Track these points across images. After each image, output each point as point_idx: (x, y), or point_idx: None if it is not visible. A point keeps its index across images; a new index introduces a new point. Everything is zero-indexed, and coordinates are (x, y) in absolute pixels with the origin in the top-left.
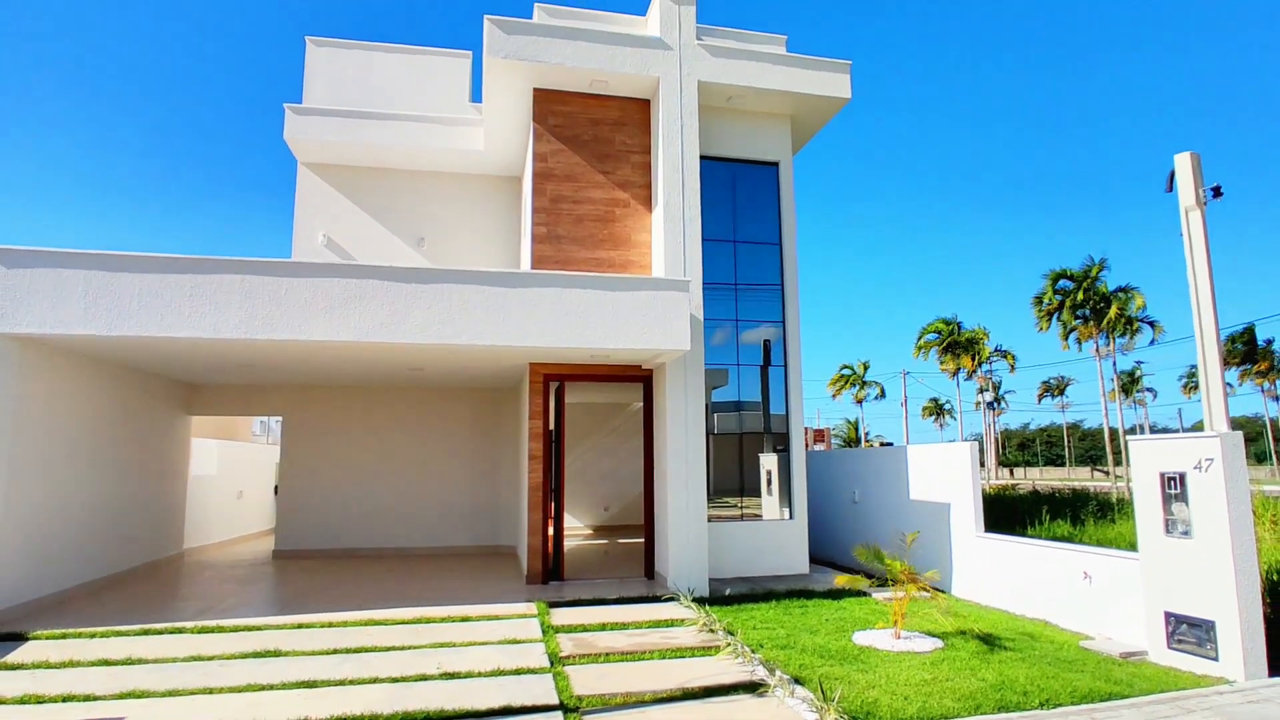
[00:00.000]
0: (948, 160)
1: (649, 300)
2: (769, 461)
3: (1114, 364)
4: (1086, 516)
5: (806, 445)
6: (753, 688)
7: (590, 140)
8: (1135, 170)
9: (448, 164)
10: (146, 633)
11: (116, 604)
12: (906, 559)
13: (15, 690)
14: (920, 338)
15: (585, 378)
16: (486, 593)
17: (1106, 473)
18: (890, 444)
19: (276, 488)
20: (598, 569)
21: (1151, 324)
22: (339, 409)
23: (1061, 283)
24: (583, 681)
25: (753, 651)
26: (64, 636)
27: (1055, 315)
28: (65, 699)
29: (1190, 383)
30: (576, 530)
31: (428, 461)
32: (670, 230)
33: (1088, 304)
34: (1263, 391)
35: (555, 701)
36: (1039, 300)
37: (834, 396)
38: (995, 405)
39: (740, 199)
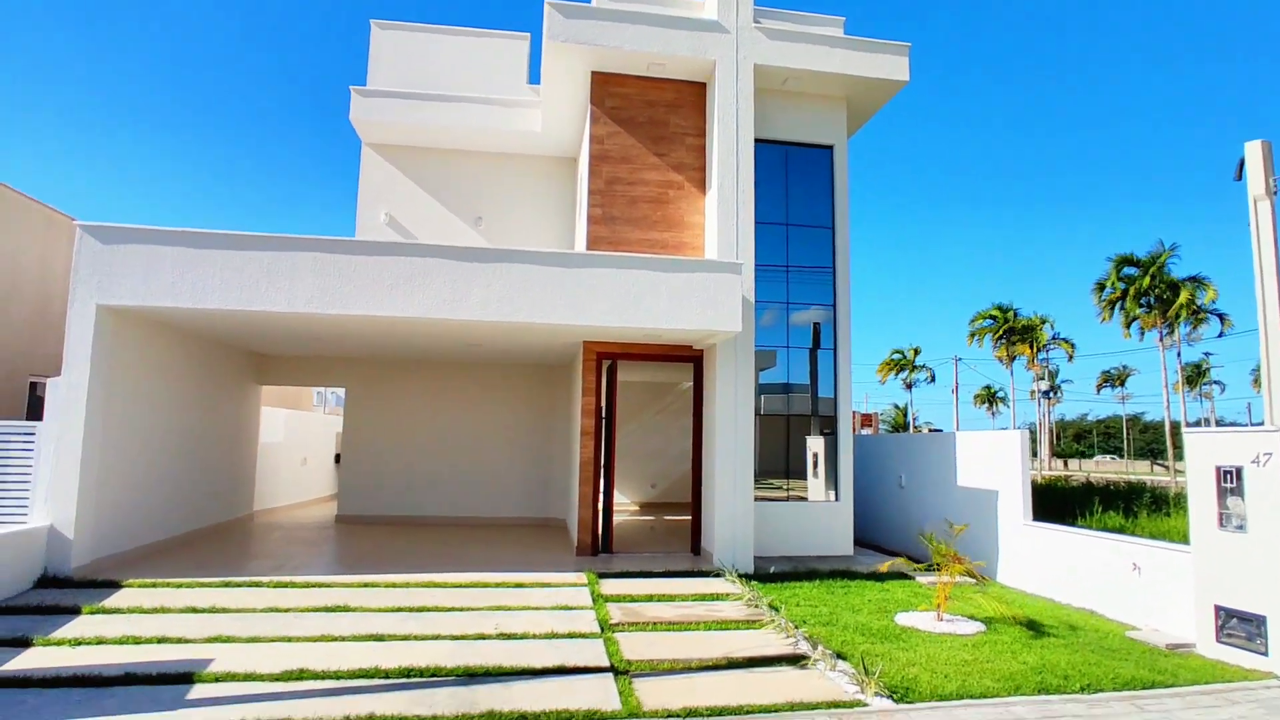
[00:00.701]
0: (1007, 147)
1: (702, 282)
2: (815, 444)
3: (1179, 355)
4: (1140, 509)
5: (854, 429)
6: (795, 660)
7: (645, 123)
8: (1202, 160)
9: (505, 145)
10: (228, 584)
11: (197, 558)
12: (953, 546)
13: (115, 632)
14: (974, 323)
15: (637, 357)
16: (538, 562)
17: (1166, 467)
18: (938, 430)
19: (337, 456)
20: (644, 544)
21: (1220, 316)
22: (399, 382)
23: (1126, 269)
24: (632, 647)
25: (796, 627)
26: (154, 585)
27: (1119, 304)
28: (159, 640)
29: (1259, 376)
30: (623, 506)
31: (482, 435)
32: (724, 213)
33: (1153, 291)
34: None
35: (606, 664)
36: (1101, 287)
37: (882, 381)
38: (1051, 395)
39: (793, 182)
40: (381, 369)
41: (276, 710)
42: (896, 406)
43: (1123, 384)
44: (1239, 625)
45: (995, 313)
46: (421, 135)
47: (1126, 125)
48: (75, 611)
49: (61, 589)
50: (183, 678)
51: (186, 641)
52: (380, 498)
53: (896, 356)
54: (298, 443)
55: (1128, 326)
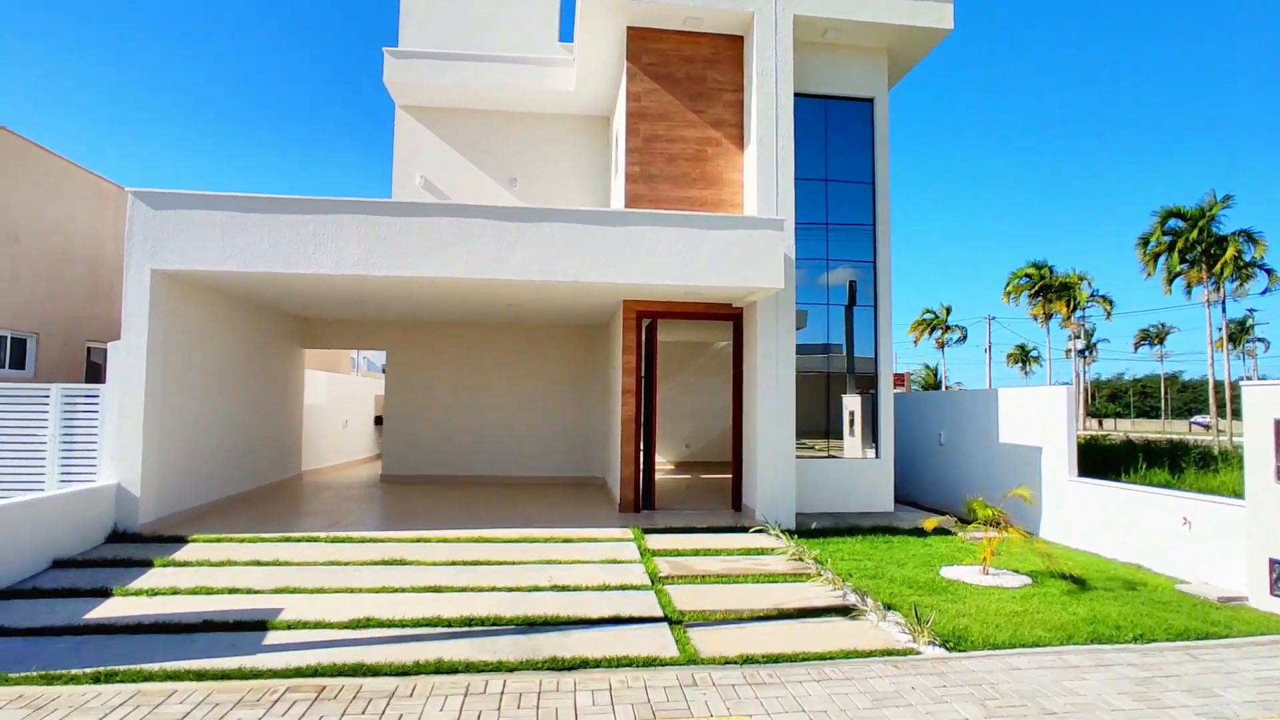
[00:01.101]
0: (1051, 98)
1: (744, 239)
2: (852, 402)
3: (1223, 311)
4: (1188, 465)
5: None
6: (845, 611)
7: (683, 78)
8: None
9: (538, 104)
10: (287, 539)
11: (254, 515)
12: (1001, 504)
13: (187, 583)
14: (1010, 282)
15: (677, 315)
16: (582, 518)
17: (1206, 426)
18: (968, 390)
19: (377, 418)
20: (685, 500)
21: (1268, 271)
22: (439, 344)
23: (1172, 222)
24: (682, 599)
25: (843, 580)
26: (218, 540)
27: (1162, 258)
28: (230, 591)
29: None
30: (659, 465)
31: (521, 395)
32: (763, 169)
33: (1198, 246)
34: None
35: (660, 614)
36: (1145, 241)
37: (915, 341)
38: (1086, 353)
39: (833, 136)
40: (422, 331)
41: (348, 655)
42: (927, 367)
43: (1161, 342)
44: None
45: (1031, 270)
46: (454, 96)
47: (1177, 78)
48: (147, 564)
49: (132, 544)
50: (257, 625)
51: (255, 592)
52: (423, 458)
53: (928, 316)
54: (339, 405)
55: (1170, 283)
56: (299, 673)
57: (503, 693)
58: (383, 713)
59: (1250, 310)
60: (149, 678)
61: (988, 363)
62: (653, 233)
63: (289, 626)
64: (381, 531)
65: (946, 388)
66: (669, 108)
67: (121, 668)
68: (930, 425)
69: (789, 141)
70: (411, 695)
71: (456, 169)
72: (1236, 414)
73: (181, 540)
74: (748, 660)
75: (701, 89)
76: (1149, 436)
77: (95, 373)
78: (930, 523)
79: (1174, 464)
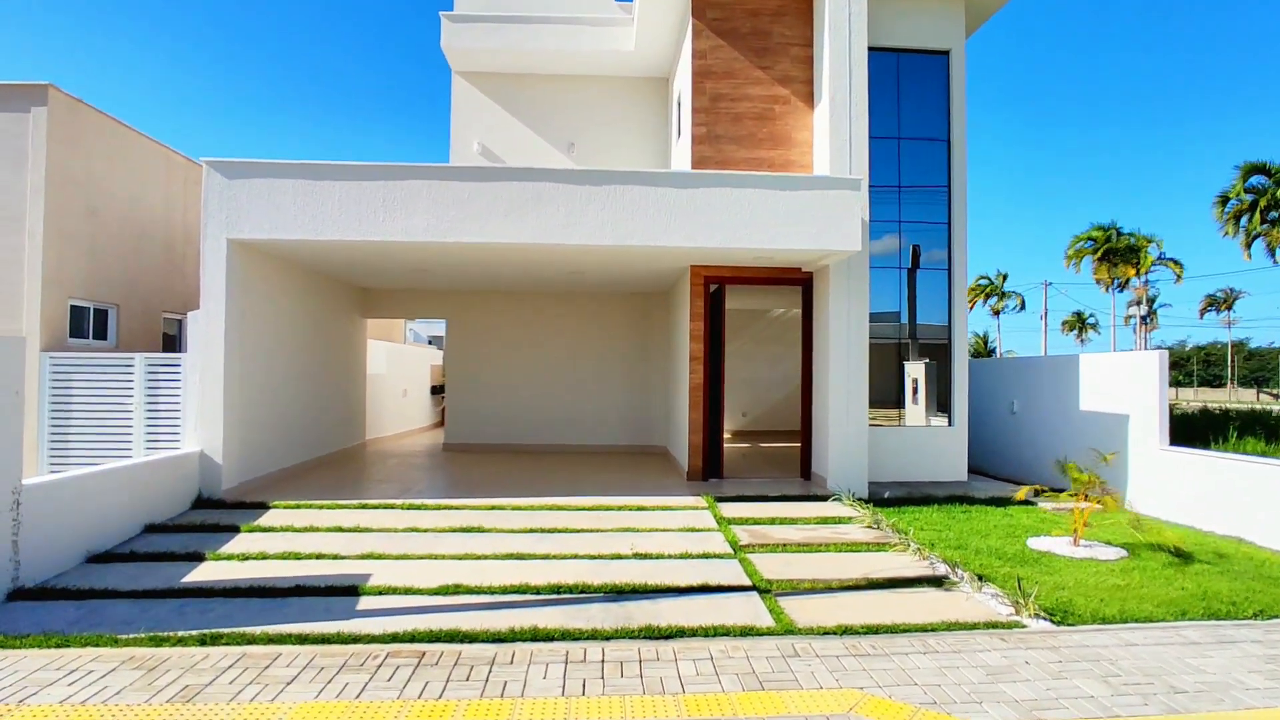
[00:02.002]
0: (1124, 54)
1: (819, 200)
2: (915, 369)
3: None
4: None
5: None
6: (936, 582)
7: (749, 34)
8: None
9: (595, 67)
10: (364, 506)
11: (328, 482)
12: (1096, 473)
13: (275, 548)
14: (1072, 246)
15: (745, 280)
16: (650, 487)
17: (1276, 395)
18: (1044, 356)
19: (433, 387)
20: (751, 469)
21: None
22: (497, 313)
23: (1255, 179)
24: (768, 567)
25: (929, 550)
26: (298, 506)
27: (1244, 217)
28: (317, 556)
29: None
30: None
31: (581, 363)
32: (836, 127)
33: None
34: None
35: (748, 583)
36: (1224, 200)
37: (970, 307)
38: (1147, 319)
39: (906, 92)
40: (480, 300)
41: (443, 621)
42: (977, 335)
43: (1230, 308)
44: None
45: (1096, 233)
46: (510, 60)
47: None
48: (234, 530)
49: (217, 509)
50: (349, 590)
51: (341, 558)
52: (484, 427)
53: (983, 282)
54: (398, 375)
55: (1249, 245)
56: (396, 638)
57: (603, 660)
58: (487, 679)
59: None
60: (252, 640)
61: (1043, 330)
62: (724, 194)
63: (380, 592)
64: (455, 499)
65: (999, 355)
66: (734, 65)
67: (225, 630)
68: (1001, 393)
69: (863, 97)
70: (512, 662)
71: (514, 135)
72: None
73: (263, 506)
74: (846, 631)
75: (767, 44)
76: (1227, 405)
77: (169, 344)
78: (1021, 492)
79: (1272, 433)
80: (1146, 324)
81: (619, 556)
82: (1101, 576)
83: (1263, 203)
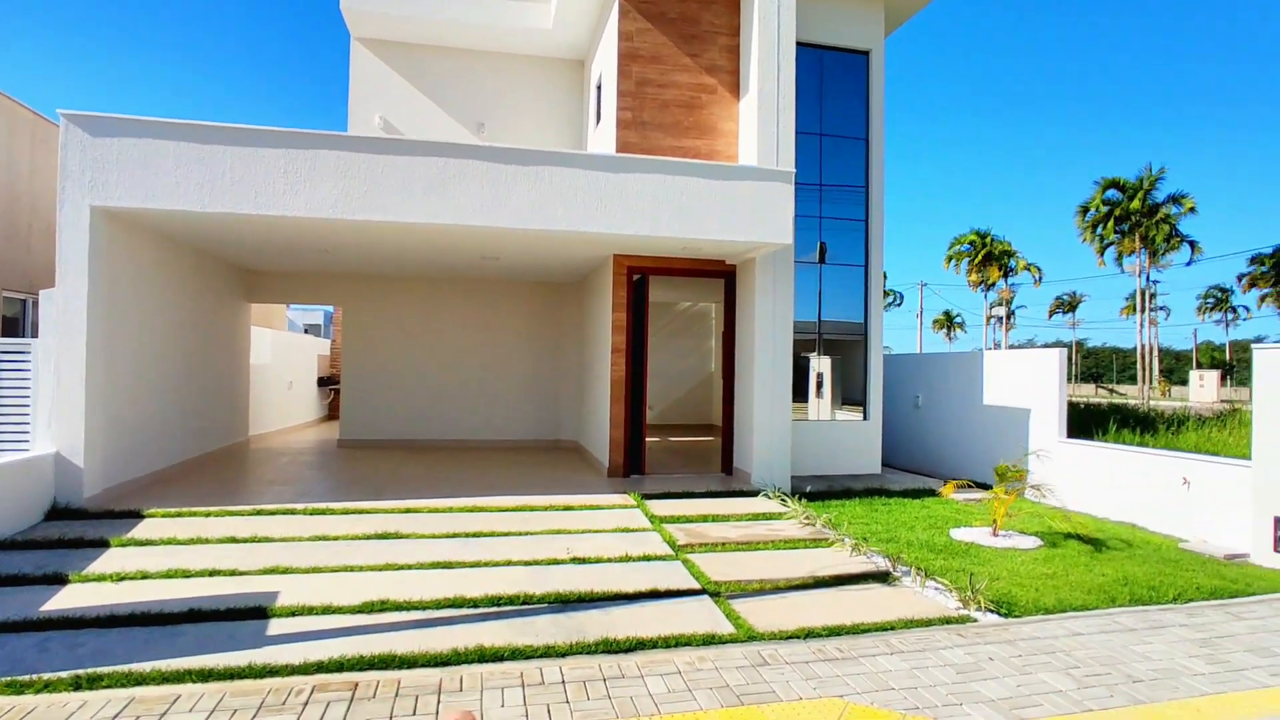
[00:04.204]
0: (1006, 72)
1: (752, 190)
2: (821, 364)
3: (1147, 278)
4: (1160, 427)
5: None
6: (881, 578)
7: (677, 19)
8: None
9: (510, 44)
10: (260, 513)
11: (212, 485)
12: (1019, 467)
13: (157, 565)
14: (952, 247)
15: (668, 271)
16: (571, 484)
17: (1110, 390)
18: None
19: (320, 379)
20: (669, 464)
21: (1191, 243)
22: (399, 300)
23: (1110, 193)
24: (712, 568)
25: (864, 545)
26: (179, 514)
27: (1099, 227)
28: (210, 573)
29: (1207, 303)
30: None
31: (488, 354)
32: (764, 119)
33: (1134, 215)
34: None
35: (697, 587)
36: (1084, 209)
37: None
38: (1004, 321)
39: (828, 90)
40: (379, 285)
41: (373, 644)
42: None
43: (1073, 310)
44: None
45: (974, 238)
46: (417, 29)
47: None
48: (103, 544)
49: (78, 520)
50: (254, 612)
51: (241, 574)
52: (384, 421)
53: None
54: (283, 365)
55: (1101, 253)
56: (321, 667)
57: (564, 681)
58: (437, 712)
59: (1154, 281)
60: (142, 680)
61: (919, 328)
62: (657, 181)
63: (293, 613)
64: (364, 501)
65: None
66: (662, 50)
67: (106, 670)
68: (907, 387)
69: (790, 91)
70: (461, 689)
71: (419, 111)
72: (1149, 378)
73: (136, 515)
74: (810, 634)
75: (696, 31)
76: (1074, 399)
77: (9, 328)
78: (950, 486)
79: (1139, 426)
80: (1004, 324)
81: (557, 562)
82: (1028, 565)
83: (1116, 213)
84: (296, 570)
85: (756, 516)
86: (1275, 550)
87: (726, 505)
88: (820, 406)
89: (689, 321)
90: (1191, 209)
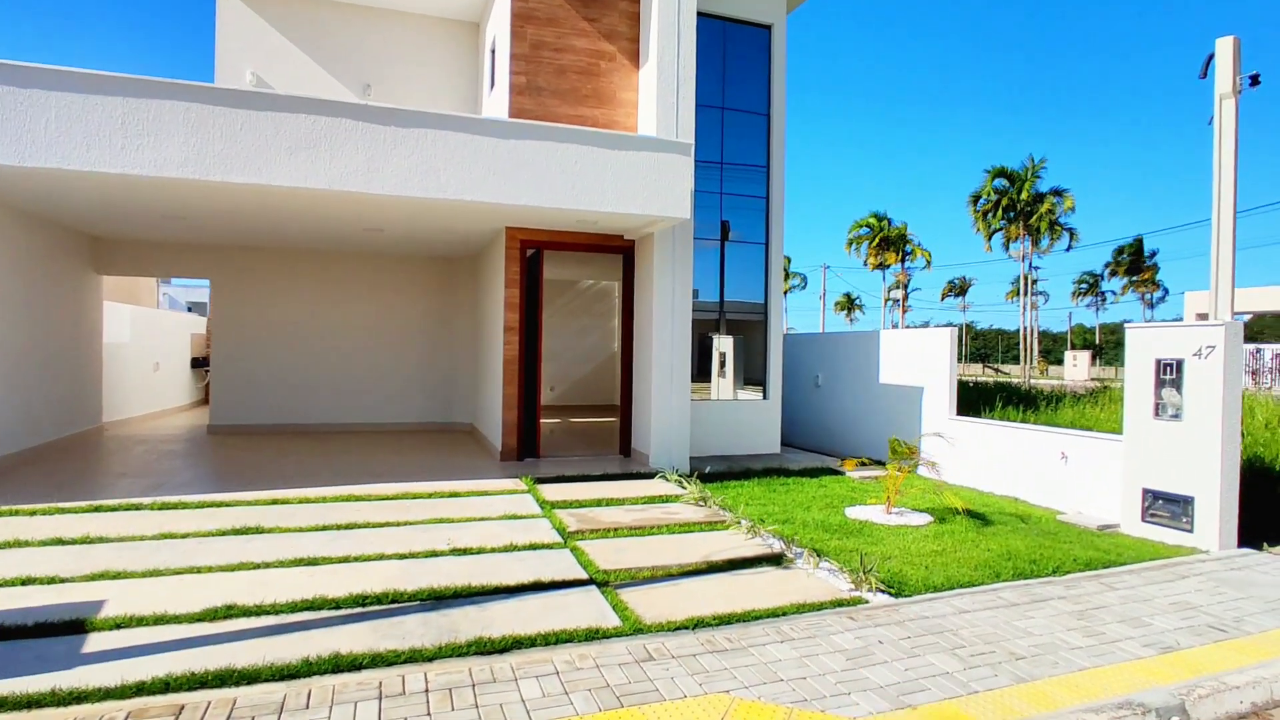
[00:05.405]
0: (904, 61)
1: (650, 162)
2: (723, 343)
3: (1030, 264)
4: (1041, 404)
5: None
6: (775, 560)
7: None
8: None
9: (399, 1)
10: (98, 510)
11: (50, 479)
12: (912, 445)
13: None
14: (852, 230)
15: (564, 246)
16: (461, 469)
17: (996, 369)
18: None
19: (195, 359)
20: (566, 447)
21: (1070, 231)
22: (275, 273)
23: (998, 181)
24: (602, 556)
25: (760, 526)
26: (0, 514)
27: (989, 214)
28: (24, 582)
29: (1080, 288)
30: None
31: (375, 333)
32: (664, 90)
33: (1019, 204)
34: (1141, 300)
35: (584, 576)
36: (976, 198)
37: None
38: (899, 302)
39: (730, 63)
40: (254, 257)
41: (211, 657)
42: None
43: (964, 293)
44: (1164, 506)
45: (872, 221)
46: None
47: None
48: None
49: None
50: (70, 627)
51: (61, 581)
52: (260, 405)
53: None
54: (148, 344)
55: (989, 238)
56: (143, 689)
57: (427, 690)
58: None
59: (1035, 267)
60: None
61: (822, 310)
62: (550, 149)
63: (117, 625)
64: (224, 493)
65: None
66: (559, 12)
67: None
68: (807, 366)
69: (691, 61)
70: (307, 706)
71: (297, 68)
72: (1031, 358)
73: None
74: (699, 624)
75: None
76: (965, 378)
77: None
78: (850, 463)
79: (1023, 403)
80: (900, 306)
81: (435, 554)
82: (919, 543)
83: (1004, 202)
84: (131, 575)
85: (653, 499)
86: (1143, 520)
87: (622, 488)
88: (722, 386)
89: (591, 300)
90: (1071, 208)
